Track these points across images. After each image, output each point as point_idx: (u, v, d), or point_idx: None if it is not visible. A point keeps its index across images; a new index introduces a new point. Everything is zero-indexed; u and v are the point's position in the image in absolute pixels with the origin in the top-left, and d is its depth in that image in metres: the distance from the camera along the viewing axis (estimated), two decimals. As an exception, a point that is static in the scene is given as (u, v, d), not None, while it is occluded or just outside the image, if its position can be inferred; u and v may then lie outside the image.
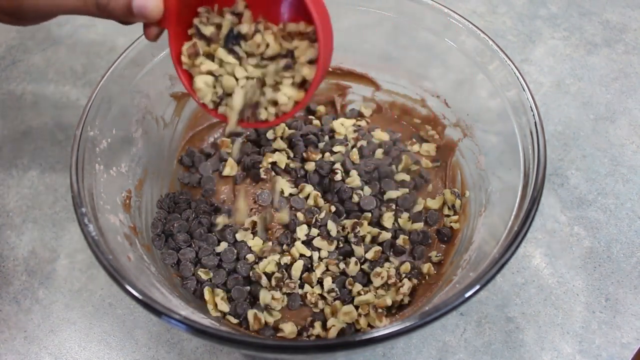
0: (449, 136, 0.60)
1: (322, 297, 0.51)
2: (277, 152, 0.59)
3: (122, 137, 0.52)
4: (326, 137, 0.61)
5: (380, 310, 0.49)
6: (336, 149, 0.59)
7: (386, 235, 0.54)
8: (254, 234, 0.54)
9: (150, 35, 0.44)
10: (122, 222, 0.48)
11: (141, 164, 0.55)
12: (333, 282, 0.52)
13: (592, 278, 0.56)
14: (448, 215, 0.57)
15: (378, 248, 0.53)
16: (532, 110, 0.47)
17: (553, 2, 0.81)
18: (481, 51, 0.52)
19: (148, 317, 0.55)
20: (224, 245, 0.54)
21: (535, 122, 0.46)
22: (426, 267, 0.53)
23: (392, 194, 0.57)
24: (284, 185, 0.57)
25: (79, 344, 0.54)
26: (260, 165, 0.58)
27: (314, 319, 0.51)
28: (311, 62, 0.42)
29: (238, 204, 0.55)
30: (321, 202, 0.56)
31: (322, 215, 0.55)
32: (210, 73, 0.44)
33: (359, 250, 0.53)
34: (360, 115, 0.65)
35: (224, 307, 0.50)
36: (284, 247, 0.54)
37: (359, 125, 0.63)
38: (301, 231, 0.54)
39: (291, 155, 0.60)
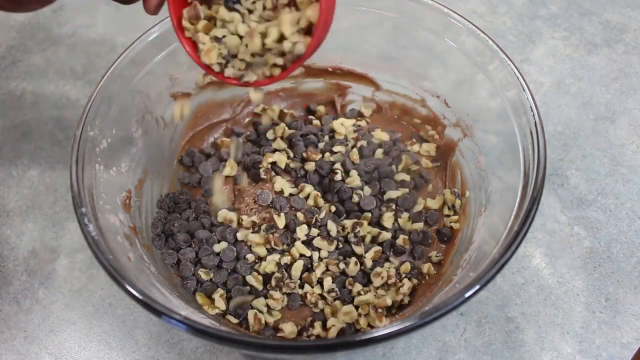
0: (449, 136, 0.60)
1: (322, 297, 0.51)
2: (277, 152, 0.59)
3: (122, 137, 0.52)
4: (326, 137, 0.61)
5: (380, 310, 0.49)
6: (336, 149, 0.59)
7: (386, 235, 0.54)
8: (255, 233, 0.54)
9: (150, 7, 0.43)
10: (122, 222, 0.48)
11: (141, 164, 0.55)
12: (333, 282, 0.52)
13: (592, 278, 0.56)
14: (448, 215, 0.57)
15: (378, 248, 0.53)
16: (532, 110, 0.47)
17: (553, 2, 0.81)
18: (481, 51, 0.52)
19: (148, 317, 0.55)
20: (223, 245, 0.54)
21: (535, 122, 0.46)
22: (426, 267, 0.53)
23: (392, 194, 0.57)
24: (284, 185, 0.57)
25: (79, 344, 0.54)
26: (260, 165, 0.58)
27: (314, 319, 0.51)
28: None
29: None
30: (321, 202, 0.56)
31: (322, 215, 0.55)
32: (213, 36, 0.44)
33: (360, 250, 0.53)
34: (360, 115, 0.65)
35: (221, 304, 0.50)
36: (284, 247, 0.54)
37: (359, 125, 0.63)
38: (301, 231, 0.54)
39: (291, 155, 0.60)
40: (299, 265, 0.52)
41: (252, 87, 0.46)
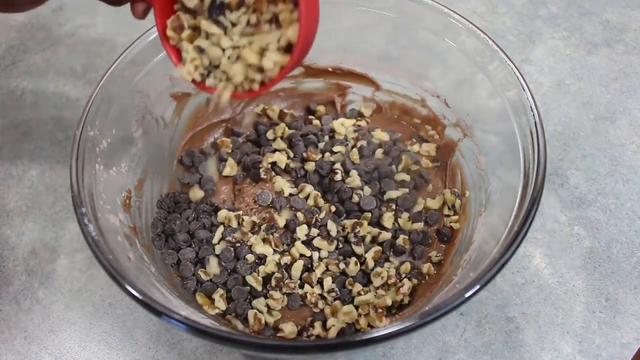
0: (449, 136, 0.60)
1: (322, 297, 0.51)
2: (277, 152, 0.59)
3: (122, 137, 0.52)
4: (326, 137, 0.61)
5: (380, 310, 0.49)
6: (336, 149, 0.59)
7: (386, 235, 0.54)
8: (254, 233, 0.54)
9: (137, 12, 0.44)
10: (122, 222, 0.48)
11: (141, 164, 0.55)
12: (333, 282, 0.52)
13: (592, 278, 0.56)
14: (448, 215, 0.57)
15: (378, 248, 0.53)
16: (532, 110, 0.47)
17: (553, 2, 0.81)
18: (481, 51, 0.52)
19: (148, 317, 0.55)
20: (223, 244, 0.54)
21: (535, 122, 0.46)
22: (426, 267, 0.53)
23: (392, 194, 0.57)
24: (284, 185, 0.57)
25: (79, 344, 0.54)
26: (260, 165, 0.58)
27: (314, 319, 0.51)
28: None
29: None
30: (321, 202, 0.56)
31: (322, 215, 0.55)
32: (196, 46, 0.45)
33: (360, 250, 0.53)
34: (360, 115, 0.65)
35: (221, 304, 0.50)
36: (284, 247, 0.54)
37: (359, 125, 0.63)
38: (301, 231, 0.54)
39: (291, 155, 0.60)
40: (299, 265, 0.52)
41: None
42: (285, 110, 0.65)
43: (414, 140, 0.63)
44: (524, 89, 0.48)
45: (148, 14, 0.45)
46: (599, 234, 0.59)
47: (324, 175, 0.58)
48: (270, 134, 0.61)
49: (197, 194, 0.57)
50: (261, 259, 0.53)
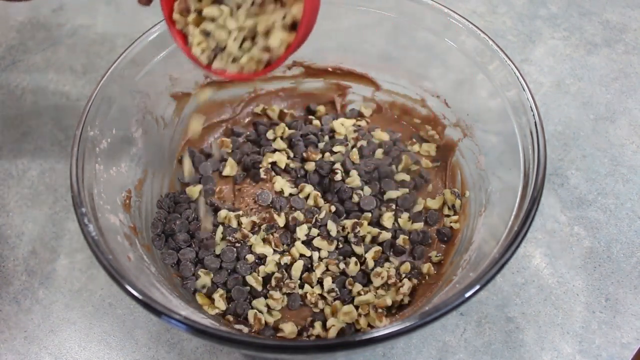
0: (449, 136, 0.60)
1: (322, 297, 0.51)
2: (277, 152, 0.59)
3: (122, 137, 0.52)
4: (326, 137, 0.61)
5: (380, 310, 0.49)
6: (336, 149, 0.59)
7: (386, 235, 0.54)
8: (255, 233, 0.54)
9: None
10: (122, 222, 0.48)
11: (141, 164, 0.55)
12: (333, 282, 0.52)
13: (592, 278, 0.56)
14: (448, 215, 0.57)
15: (378, 248, 0.53)
16: (532, 110, 0.47)
17: (553, 2, 0.81)
18: (481, 51, 0.52)
19: (148, 317, 0.55)
20: (223, 245, 0.54)
21: (535, 122, 0.46)
22: (426, 267, 0.53)
23: (392, 194, 0.57)
24: (284, 185, 0.57)
25: (79, 344, 0.54)
26: (260, 165, 0.58)
27: (314, 319, 0.51)
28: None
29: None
30: (321, 202, 0.56)
31: (322, 215, 0.55)
32: (202, 30, 0.45)
33: (360, 250, 0.53)
34: (360, 115, 0.65)
35: (221, 304, 0.50)
36: (284, 247, 0.54)
37: (359, 125, 0.63)
38: (301, 231, 0.54)
39: (291, 155, 0.60)
40: (299, 265, 0.52)
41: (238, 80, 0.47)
42: (285, 110, 0.65)
43: (414, 140, 0.63)
44: (524, 89, 0.48)
45: (152, 1, 0.45)
46: (599, 234, 0.59)
47: (324, 175, 0.58)
48: (270, 134, 0.61)
49: (195, 190, 0.57)
50: (261, 259, 0.53)
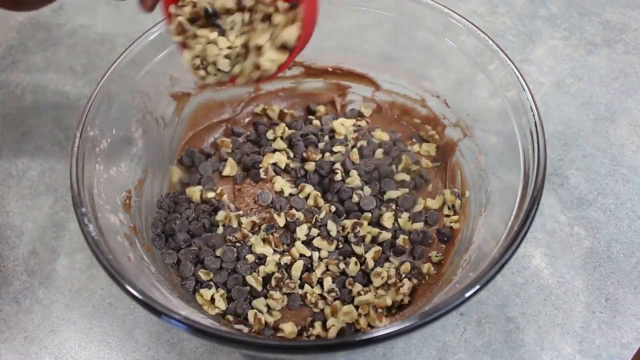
0: (449, 136, 0.60)
1: (322, 297, 0.51)
2: (277, 152, 0.59)
3: (122, 137, 0.52)
4: (326, 137, 0.61)
5: (380, 310, 0.49)
6: (336, 149, 0.59)
7: (386, 235, 0.54)
8: (255, 233, 0.54)
9: (146, 5, 0.45)
10: (122, 222, 0.48)
11: (141, 164, 0.55)
12: (333, 282, 0.52)
13: (592, 278, 0.56)
14: (448, 215, 0.57)
15: (378, 248, 0.53)
16: (532, 110, 0.47)
17: (553, 2, 0.81)
18: (481, 51, 0.52)
19: (148, 317, 0.55)
20: (223, 245, 0.54)
21: (535, 122, 0.46)
22: (426, 267, 0.53)
23: (392, 194, 0.57)
24: (284, 185, 0.57)
25: (79, 344, 0.54)
26: (260, 165, 0.58)
27: (314, 319, 0.51)
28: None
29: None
30: (321, 202, 0.56)
31: (322, 215, 0.55)
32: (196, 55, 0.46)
33: (360, 250, 0.53)
34: (360, 115, 0.65)
35: (222, 304, 0.50)
36: (284, 247, 0.54)
37: (359, 125, 0.63)
38: (301, 231, 0.54)
39: (291, 155, 0.60)
40: (299, 265, 0.52)
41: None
42: (285, 110, 0.65)
43: (414, 140, 0.63)
44: (524, 89, 0.48)
45: (155, 7, 0.46)
46: (599, 234, 0.59)
47: (324, 175, 0.58)
48: (270, 134, 0.61)
49: (195, 190, 0.57)
50: (261, 259, 0.53)
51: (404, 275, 0.52)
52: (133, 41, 0.52)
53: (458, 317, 0.54)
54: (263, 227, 0.54)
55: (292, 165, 0.59)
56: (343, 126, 0.62)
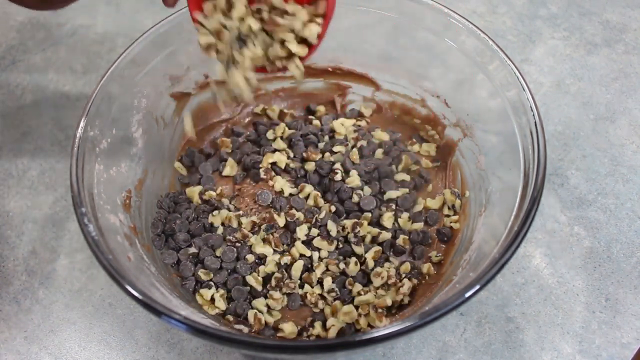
0: (449, 136, 0.60)
1: (322, 297, 0.51)
2: (277, 152, 0.59)
3: (122, 137, 0.52)
4: (326, 137, 0.61)
5: (380, 310, 0.49)
6: (336, 149, 0.59)
7: (386, 235, 0.54)
8: (255, 233, 0.54)
9: (168, 2, 0.47)
10: (122, 222, 0.48)
11: (141, 164, 0.55)
12: (333, 282, 0.52)
13: (592, 278, 0.56)
14: (448, 215, 0.57)
15: (378, 248, 0.53)
16: (532, 110, 0.47)
17: (553, 2, 0.81)
18: (481, 51, 0.52)
19: (148, 317, 0.55)
20: (223, 245, 0.54)
21: (535, 122, 0.46)
22: (426, 267, 0.53)
23: (392, 194, 0.57)
24: (284, 185, 0.57)
25: (79, 344, 0.54)
26: (260, 166, 0.58)
27: (314, 319, 0.51)
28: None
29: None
30: (321, 202, 0.56)
31: (322, 215, 0.55)
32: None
33: (360, 250, 0.53)
34: (360, 115, 0.65)
35: (222, 304, 0.50)
36: (284, 247, 0.54)
37: (359, 125, 0.63)
38: (301, 231, 0.54)
39: (291, 155, 0.60)
40: (299, 265, 0.52)
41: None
42: (285, 110, 0.65)
43: (414, 140, 0.63)
44: (524, 89, 0.48)
45: (177, 3, 0.48)
46: (599, 234, 0.59)
47: (324, 175, 0.58)
48: (270, 134, 0.61)
49: (195, 190, 0.57)
50: (261, 259, 0.53)
51: (404, 275, 0.52)
52: (133, 41, 0.52)
53: (458, 317, 0.54)
54: (263, 227, 0.54)
55: (292, 165, 0.59)
56: (343, 126, 0.62)
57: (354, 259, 0.52)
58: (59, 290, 0.57)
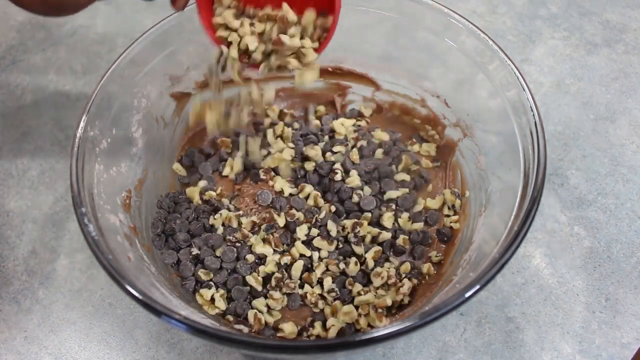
0: (449, 136, 0.60)
1: (322, 297, 0.51)
2: (277, 152, 0.59)
3: (122, 137, 0.52)
4: (326, 137, 0.61)
5: (380, 310, 0.49)
6: (336, 149, 0.59)
7: (386, 235, 0.54)
8: (255, 233, 0.54)
9: (178, 4, 0.48)
10: (122, 222, 0.48)
11: (141, 164, 0.55)
12: (333, 282, 0.52)
13: (592, 278, 0.56)
14: (448, 215, 0.57)
15: (378, 248, 0.53)
16: (532, 110, 0.47)
17: (553, 2, 0.81)
18: (481, 51, 0.52)
19: (148, 317, 0.55)
20: (223, 245, 0.54)
21: (535, 122, 0.46)
22: (426, 267, 0.53)
23: (392, 194, 0.57)
24: (284, 185, 0.57)
25: (79, 344, 0.54)
26: (261, 166, 0.58)
27: (314, 319, 0.51)
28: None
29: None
30: (321, 202, 0.56)
31: (322, 215, 0.55)
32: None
33: (360, 250, 0.53)
34: (360, 115, 0.65)
35: (222, 304, 0.50)
36: (284, 247, 0.54)
37: (359, 125, 0.63)
38: (301, 231, 0.54)
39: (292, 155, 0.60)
40: (299, 265, 0.52)
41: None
42: (285, 110, 0.65)
43: (414, 140, 0.63)
44: (524, 89, 0.48)
45: (186, 5, 0.49)
46: (599, 234, 0.59)
47: (324, 175, 0.58)
48: (270, 134, 0.61)
49: (195, 190, 0.57)
50: (261, 259, 0.53)
51: (404, 275, 0.52)
52: (133, 41, 0.52)
53: (458, 317, 0.54)
54: (263, 227, 0.54)
55: (292, 165, 0.59)
56: (343, 126, 0.62)
57: (354, 259, 0.52)
58: (59, 290, 0.57)
